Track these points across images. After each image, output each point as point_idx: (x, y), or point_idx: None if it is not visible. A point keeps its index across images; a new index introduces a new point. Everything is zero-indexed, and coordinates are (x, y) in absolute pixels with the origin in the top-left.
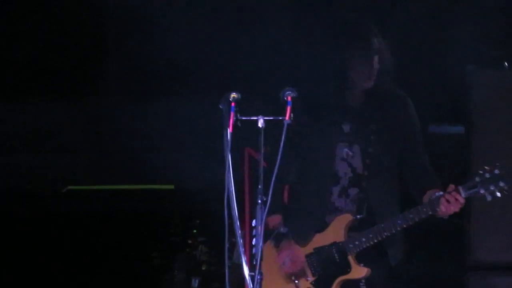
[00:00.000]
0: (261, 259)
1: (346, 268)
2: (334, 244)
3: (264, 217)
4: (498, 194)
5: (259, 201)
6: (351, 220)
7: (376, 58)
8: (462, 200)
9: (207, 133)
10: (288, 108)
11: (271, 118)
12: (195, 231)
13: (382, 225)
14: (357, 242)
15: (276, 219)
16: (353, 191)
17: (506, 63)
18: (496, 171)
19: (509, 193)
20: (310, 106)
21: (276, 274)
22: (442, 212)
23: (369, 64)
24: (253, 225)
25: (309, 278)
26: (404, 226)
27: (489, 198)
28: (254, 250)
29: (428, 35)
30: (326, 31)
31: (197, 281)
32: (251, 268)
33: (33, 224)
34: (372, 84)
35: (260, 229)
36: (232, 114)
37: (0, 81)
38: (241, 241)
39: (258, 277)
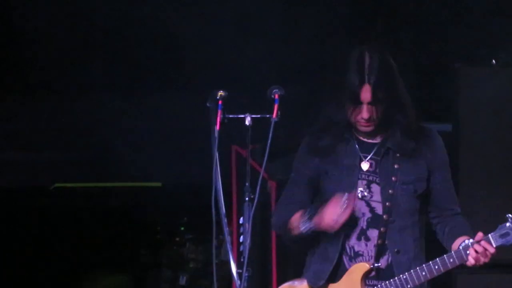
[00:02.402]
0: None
1: None
2: None
3: (251, 215)
4: None
5: (247, 198)
6: (368, 270)
7: (368, 91)
8: (492, 250)
9: (194, 131)
10: (275, 106)
11: (258, 116)
12: (182, 228)
13: (405, 277)
14: None
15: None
16: (373, 233)
17: (494, 61)
18: None
19: None
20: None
21: None
22: (471, 263)
23: (361, 111)
24: (240, 222)
25: None
26: (429, 277)
27: None
28: (241, 248)
29: (416, 33)
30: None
31: (184, 278)
32: (239, 265)
33: (21, 221)
34: (375, 124)
35: (248, 227)
36: (219, 112)
37: None
38: (229, 238)
39: (246, 274)
